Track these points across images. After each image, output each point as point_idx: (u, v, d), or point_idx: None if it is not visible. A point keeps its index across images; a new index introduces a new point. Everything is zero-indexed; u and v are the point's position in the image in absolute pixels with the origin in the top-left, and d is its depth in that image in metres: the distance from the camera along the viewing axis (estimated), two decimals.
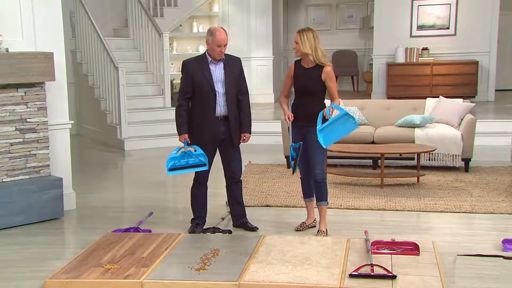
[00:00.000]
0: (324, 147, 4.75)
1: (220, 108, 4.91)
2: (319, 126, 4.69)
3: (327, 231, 5.02)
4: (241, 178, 5.22)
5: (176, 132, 5.01)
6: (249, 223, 5.20)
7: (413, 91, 11.18)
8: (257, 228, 5.16)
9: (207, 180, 5.14)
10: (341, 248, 4.49)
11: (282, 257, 4.32)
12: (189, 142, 4.90)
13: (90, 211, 5.95)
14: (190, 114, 4.94)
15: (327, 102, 4.95)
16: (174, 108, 10.01)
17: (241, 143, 5.09)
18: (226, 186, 5.22)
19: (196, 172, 5.02)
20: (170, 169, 4.92)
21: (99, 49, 9.55)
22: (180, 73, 5.07)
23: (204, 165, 4.88)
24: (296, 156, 4.87)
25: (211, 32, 4.83)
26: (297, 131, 4.94)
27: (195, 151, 4.87)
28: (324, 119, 4.71)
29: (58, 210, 5.59)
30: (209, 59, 4.89)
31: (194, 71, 4.88)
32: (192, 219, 5.20)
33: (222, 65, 4.92)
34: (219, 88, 4.89)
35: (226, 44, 4.84)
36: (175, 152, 4.92)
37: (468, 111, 7.52)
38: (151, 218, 5.49)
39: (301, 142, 4.88)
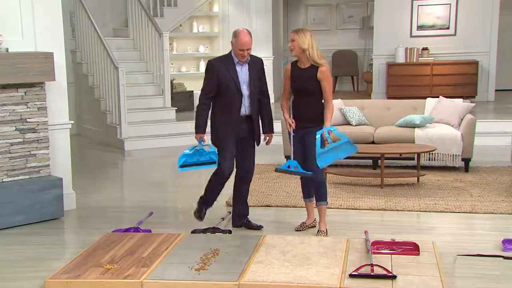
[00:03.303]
0: (320, 167, 4.82)
1: (245, 108, 4.93)
2: (318, 149, 4.72)
3: (327, 231, 5.02)
4: (252, 178, 5.23)
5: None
6: (252, 222, 5.21)
7: (413, 91, 11.17)
8: (262, 227, 5.17)
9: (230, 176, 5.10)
10: (341, 248, 4.49)
11: (282, 257, 4.32)
12: (205, 141, 4.91)
13: (90, 211, 5.95)
14: (213, 112, 4.95)
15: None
16: (174, 108, 10.07)
17: (266, 144, 5.12)
18: (234, 185, 5.22)
19: (219, 169, 4.98)
20: (182, 166, 4.92)
21: (99, 49, 9.55)
22: (204, 72, 5.02)
23: (214, 162, 4.90)
24: (289, 170, 4.91)
25: (235, 34, 4.83)
26: (300, 134, 4.94)
27: (209, 149, 4.89)
28: (322, 140, 4.75)
29: (58, 210, 5.59)
30: (236, 60, 4.89)
31: (220, 71, 4.86)
32: (201, 202, 5.19)
33: (247, 67, 4.91)
34: (244, 89, 4.90)
35: (250, 48, 4.81)
36: (188, 150, 4.93)
37: (468, 111, 7.53)
38: (151, 218, 5.49)
39: (295, 163, 4.91)
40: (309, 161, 4.92)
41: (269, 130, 5.11)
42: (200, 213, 5.19)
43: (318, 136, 4.75)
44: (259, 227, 5.18)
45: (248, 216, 5.27)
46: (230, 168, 5.01)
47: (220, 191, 5.20)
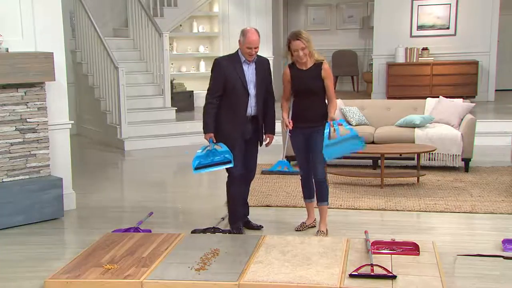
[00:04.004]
0: (326, 160, 4.77)
1: (251, 108, 4.88)
2: (326, 141, 4.68)
3: (327, 231, 5.02)
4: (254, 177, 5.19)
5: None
6: (252, 222, 5.21)
7: (413, 91, 11.17)
8: (262, 227, 5.17)
9: (242, 177, 5.05)
10: (341, 248, 4.49)
11: (282, 257, 4.32)
12: (215, 140, 4.85)
13: (90, 211, 5.95)
14: (218, 113, 4.88)
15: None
16: (174, 108, 10.06)
17: (266, 145, 5.05)
18: None
19: (229, 171, 4.95)
20: (196, 168, 4.85)
21: (99, 49, 9.55)
22: (210, 71, 4.96)
23: (230, 162, 4.81)
24: (276, 170, 4.88)
25: (243, 33, 4.78)
26: (300, 131, 4.93)
27: (220, 148, 4.83)
28: (330, 132, 4.71)
29: (58, 210, 5.59)
30: (243, 58, 4.84)
31: (227, 70, 4.81)
32: (232, 222, 5.07)
33: (254, 66, 4.87)
34: (251, 89, 4.85)
35: (257, 47, 4.77)
36: (200, 150, 4.86)
37: (468, 111, 7.53)
38: (151, 218, 5.49)
39: (286, 163, 4.89)
40: (314, 161, 4.90)
41: (271, 131, 5.06)
42: (237, 231, 5.02)
43: (326, 130, 4.71)
44: (259, 227, 5.18)
45: (248, 216, 5.26)
46: (240, 169, 4.96)
47: (241, 197, 5.09)
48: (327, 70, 4.85)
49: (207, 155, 4.83)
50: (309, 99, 4.88)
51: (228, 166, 4.85)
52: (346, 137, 4.71)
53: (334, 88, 5.11)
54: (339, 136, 4.70)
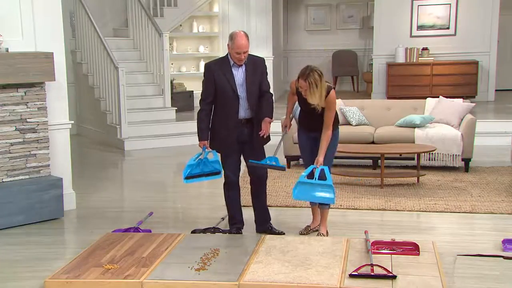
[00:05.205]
0: (293, 197, 4.73)
1: (244, 111, 4.80)
2: (302, 178, 4.64)
3: (327, 234, 5.00)
4: (266, 182, 5.12)
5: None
6: (275, 228, 5.11)
7: (413, 91, 11.18)
8: (284, 233, 5.05)
9: (238, 183, 5.05)
10: (341, 248, 4.49)
11: (282, 257, 4.33)
12: (208, 148, 4.82)
13: (90, 211, 5.95)
14: (213, 117, 4.83)
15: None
16: (174, 108, 10.06)
17: (262, 136, 4.81)
18: (251, 191, 5.12)
19: (224, 175, 4.93)
20: (187, 177, 4.86)
21: (99, 49, 9.55)
22: (203, 75, 4.90)
23: (219, 173, 4.83)
24: (260, 163, 4.86)
25: (231, 37, 4.67)
26: (305, 133, 4.95)
27: (212, 156, 4.81)
28: (312, 173, 4.66)
29: (58, 210, 5.59)
30: (232, 62, 4.75)
31: (216, 74, 4.74)
32: (231, 223, 5.08)
33: (244, 68, 4.77)
34: (241, 91, 4.76)
35: (247, 51, 4.66)
36: (193, 159, 4.85)
37: (468, 111, 7.53)
38: (151, 218, 5.49)
39: (275, 159, 4.88)
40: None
41: (266, 113, 4.81)
42: (237, 231, 5.03)
43: (310, 168, 4.68)
44: (281, 233, 5.05)
45: (254, 218, 5.16)
46: (236, 173, 4.95)
47: (237, 201, 5.08)
48: (328, 101, 4.65)
49: (198, 164, 4.83)
50: (313, 115, 4.78)
51: (216, 177, 4.87)
52: (321, 183, 4.61)
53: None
54: (316, 179, 4.61)
